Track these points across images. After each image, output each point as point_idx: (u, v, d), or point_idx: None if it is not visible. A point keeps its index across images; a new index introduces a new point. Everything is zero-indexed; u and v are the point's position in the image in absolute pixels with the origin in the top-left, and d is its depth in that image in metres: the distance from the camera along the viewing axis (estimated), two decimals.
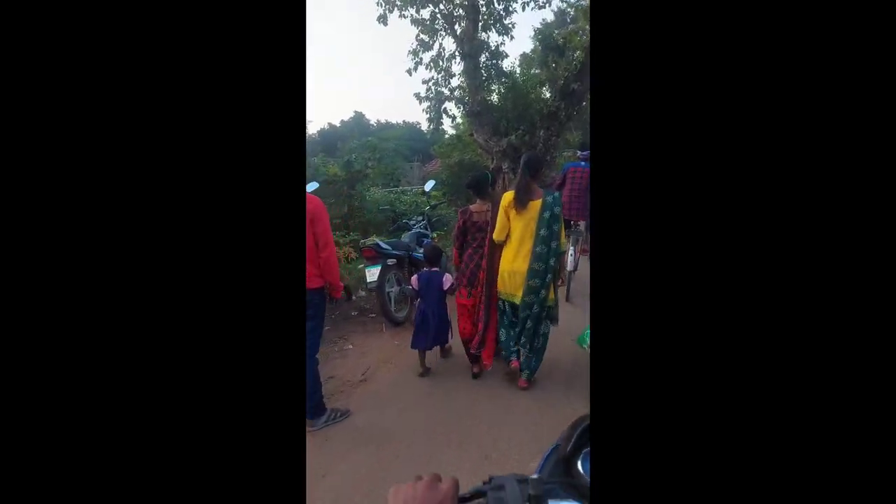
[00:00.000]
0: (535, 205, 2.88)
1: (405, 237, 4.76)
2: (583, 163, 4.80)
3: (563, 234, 3.01)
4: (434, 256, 3.42)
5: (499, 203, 3.03)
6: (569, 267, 4.32)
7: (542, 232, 2.86)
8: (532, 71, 11.17)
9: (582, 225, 4.71)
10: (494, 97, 10.55)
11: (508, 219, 2.93)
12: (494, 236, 2.99)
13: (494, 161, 10.96)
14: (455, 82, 10.03)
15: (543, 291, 2.91)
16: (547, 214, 2.87)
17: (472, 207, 3.18)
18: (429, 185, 6.51)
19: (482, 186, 3.22)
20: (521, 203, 2.88)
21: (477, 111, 9.93)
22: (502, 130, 10.01)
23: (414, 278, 3.33)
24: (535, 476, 0.47)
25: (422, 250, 4.03)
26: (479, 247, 3.11)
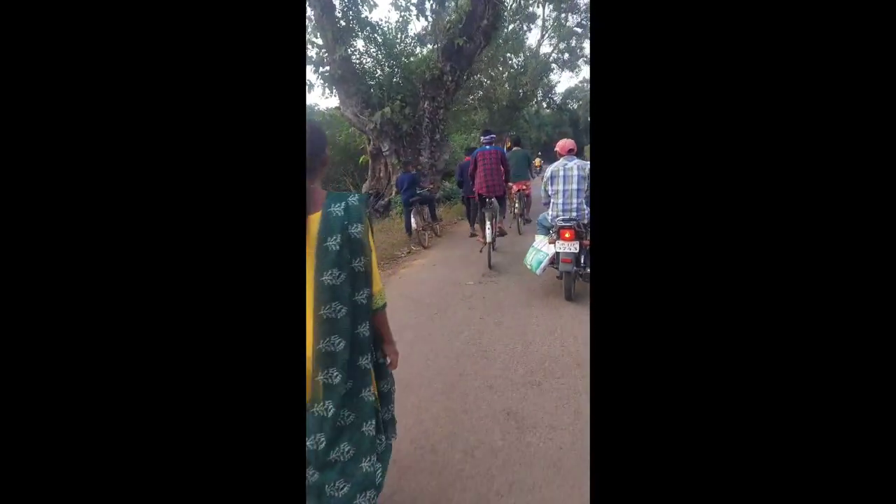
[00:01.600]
0: (314, 222, 1.10)
1: None
2: (487, 146, 4.83)
3: (376, 275, 1.20)
4: None
5: None
6: (488, 238, 4.39)
7: (328, 278, 1.11)
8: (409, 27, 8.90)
9: (496, 202, 4.73)
10: (368, 61, 8.20)
11: None
12: None
13: (371, 142, 8.71)
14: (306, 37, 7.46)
15: (366, 392, 1.19)
16: (334, 242, 1.10)
17: None
18: None
19: None
20: None
21: (340, 76, 7.53)
22: (376, 101, 7.77)
23: None
24: None
25: None
26: None
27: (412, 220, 5.27)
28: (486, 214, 4.50)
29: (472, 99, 18.16)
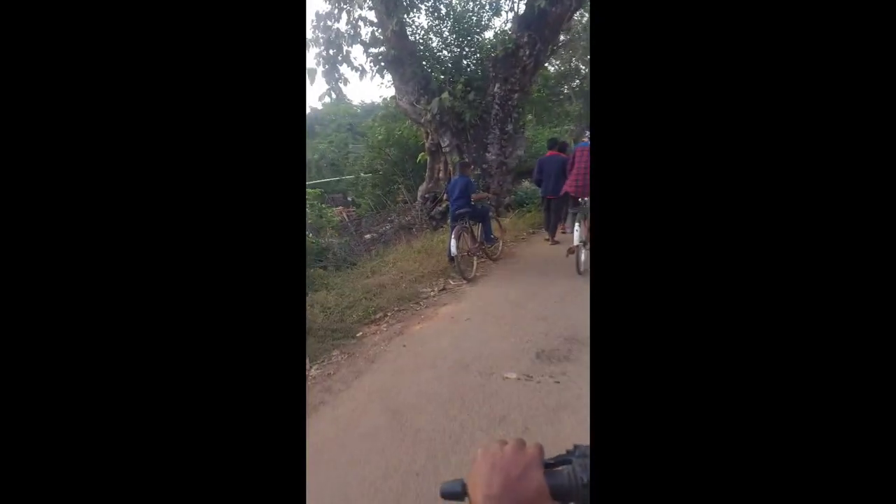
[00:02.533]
0: None
1: None
2: (588, 142, 4.25)
3: None
4: None
5: None
6: (576, 241, 3.99)
7: None
8: None
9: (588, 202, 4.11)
10: (433, 39, 6.83)
11: None
12: None
13: (429, 136, 7.34)
14: (356, 13, 6.31)
15: None
16: None
17: None
18: None
19: None
20: None
21: (394, 57, 6.25)
22: (436, 87, 6.36)
23: None
24: None
25: None
26: None
27: (453, 242, 3.77)
28: (578, 216, 4.01)
29: (567, 88, 15.95)
